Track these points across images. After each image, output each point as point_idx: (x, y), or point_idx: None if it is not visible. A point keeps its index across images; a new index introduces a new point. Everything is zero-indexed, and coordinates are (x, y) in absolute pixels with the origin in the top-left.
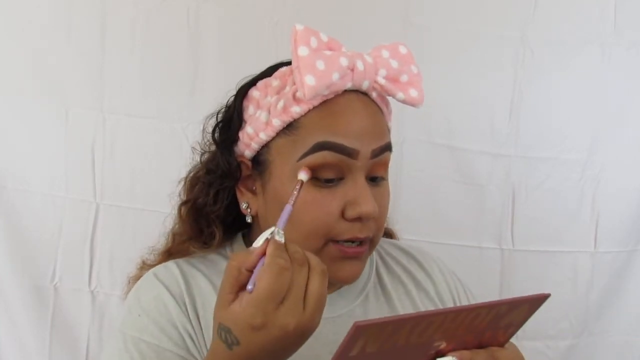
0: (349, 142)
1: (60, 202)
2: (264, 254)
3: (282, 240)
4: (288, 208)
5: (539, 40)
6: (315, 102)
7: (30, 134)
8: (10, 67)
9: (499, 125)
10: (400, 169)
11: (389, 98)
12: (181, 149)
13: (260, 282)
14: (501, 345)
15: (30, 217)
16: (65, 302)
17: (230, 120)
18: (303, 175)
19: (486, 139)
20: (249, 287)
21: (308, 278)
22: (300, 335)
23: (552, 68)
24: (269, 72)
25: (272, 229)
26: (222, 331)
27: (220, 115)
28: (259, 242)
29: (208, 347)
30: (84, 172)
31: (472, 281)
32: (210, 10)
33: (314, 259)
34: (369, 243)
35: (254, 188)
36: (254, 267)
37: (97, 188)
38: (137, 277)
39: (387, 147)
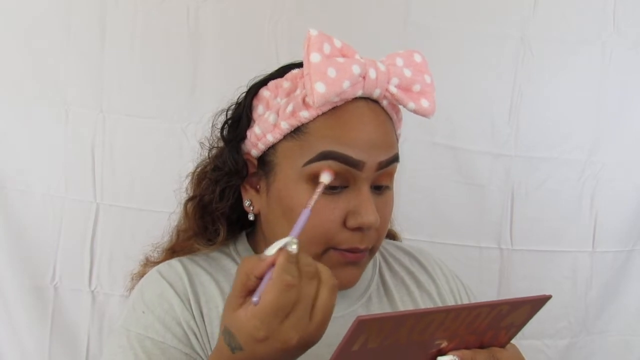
0: (355, 154)
1: (60, 202)
2: (274, 263)
3: (295, 250)
4: (306, 212)
5: (539, 40)
6: (325, 109)
7: (30, 134)
8: (10, 67)
9: (499, 125)
10: (400, 169)
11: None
12: (181, 149)
13: (265, 296)
14: (502, 346)
15: (30, 217)
16: (65, 302)
17: (239, 118)
18: (326, 177)
19: (486, 139)
20: (255, 299)
21: (317, 290)
22: (303, 347)
23: (553, 67)
24: (280, 72)
25: (287, 238)
26: (227, 334)
27: (229, 112)
28: (271, 251)
29: (212, 344)
30: (84, 172)
31: (472, 281)
32: (210, 10)
33: (325, 273)
34: (369, 250)
35: (258, 187)
36: (263, 275)
37: (97, 188)
38: (140, 274)
39: (394, 159)
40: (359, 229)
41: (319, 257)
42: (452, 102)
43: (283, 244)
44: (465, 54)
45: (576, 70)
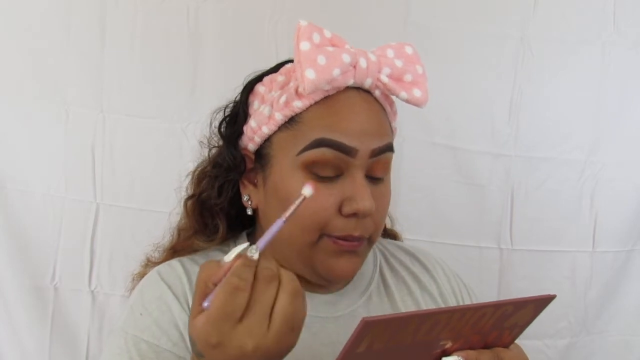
0: (348, 140)
1: (60, 203)
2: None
3: (256, 256)
4: (279, 223)
5: (539, 40)
6: (317, 97)
7: (30, 134)
8: (10, 68)
9: (499, 125)
10: (400, 169)
11: (395, 98)
12: (181, 149)
13: (213, 300)
14: (506, 346)
15: (30, 217)
16: (65, 302)
17: (236, 115)
18: (307, 191)
19: (486, 139)
20: (205, 304)
21: (277, 296)
22: (263, 356)
23: (553, 67)
24: (275, 68)
25: (246, 244)
26: (190, 342)
27: (227, 110)
28: (230, 257)
29: None
30: (84, 172)
31: (472, 281)
32: (210, 10)
33: (286, 277)
34: (367, 240)
35: (256, 181)
36: (220, 281)
37: (97, 188)
38: (141, 275)
39: (388, 148)
40: (354, 215)
41: (313, 245)
42: (452, 102)
43: (241, 250)
44: (465, 54)
45: (576, 70)
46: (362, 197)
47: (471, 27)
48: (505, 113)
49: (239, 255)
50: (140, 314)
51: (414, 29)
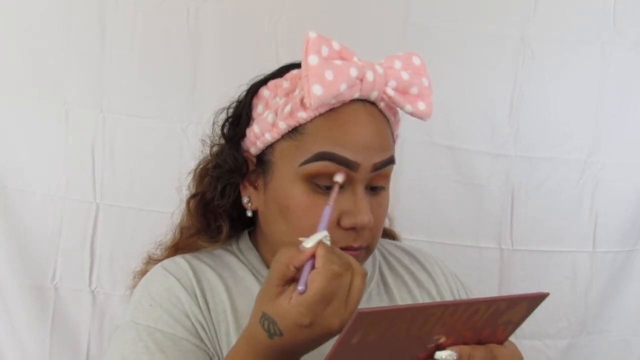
0: (351, 155)
1: (60, 203)
2: (313, 255)
3: (330, 243)
4: (328, 210)
5: (539, 40)
6: (322, 110)
7: (30, 134)
8: (10, 67)
9: (499, 125)
10: (400, 169)
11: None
12: (181, 149)
13: (313, 285)
14: (500, 342)
15: (30, 217)
16: (65, 302)
17: (239, 117)
18: (339, 177)
19: (486, 139)
20: (301, 287)
21: (352, 279)
22: (338, 332)
23: (553, 67)
24: (280, 72)
25: (324, 232)
26: (266, 321)
27: (230, 110)
28: (309, 243)
29: (219, 338)
30: (84, 172)
31: (472, 281)
32: (210, 10)
33: (355, 262)
34: (365, 249)
35: (257, 184)
36: (302, 265)
37: (97, 188)
38: (143, 272)
39: (390, 161)
40: (352, 228)
41: None
42: (452, 102)
43: (320, 237)
44: (465, 54)
45: (576, 70)
46: (360, 211)
47: (471, 27)
48: (505, 113)
49: (319, 242)
50: (150, 305)
51: (414, 29)
